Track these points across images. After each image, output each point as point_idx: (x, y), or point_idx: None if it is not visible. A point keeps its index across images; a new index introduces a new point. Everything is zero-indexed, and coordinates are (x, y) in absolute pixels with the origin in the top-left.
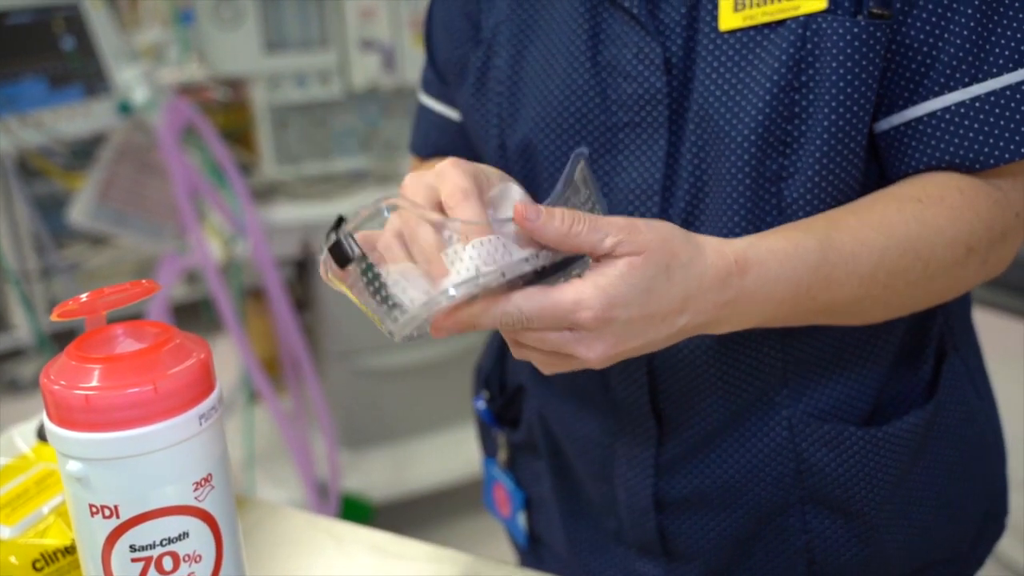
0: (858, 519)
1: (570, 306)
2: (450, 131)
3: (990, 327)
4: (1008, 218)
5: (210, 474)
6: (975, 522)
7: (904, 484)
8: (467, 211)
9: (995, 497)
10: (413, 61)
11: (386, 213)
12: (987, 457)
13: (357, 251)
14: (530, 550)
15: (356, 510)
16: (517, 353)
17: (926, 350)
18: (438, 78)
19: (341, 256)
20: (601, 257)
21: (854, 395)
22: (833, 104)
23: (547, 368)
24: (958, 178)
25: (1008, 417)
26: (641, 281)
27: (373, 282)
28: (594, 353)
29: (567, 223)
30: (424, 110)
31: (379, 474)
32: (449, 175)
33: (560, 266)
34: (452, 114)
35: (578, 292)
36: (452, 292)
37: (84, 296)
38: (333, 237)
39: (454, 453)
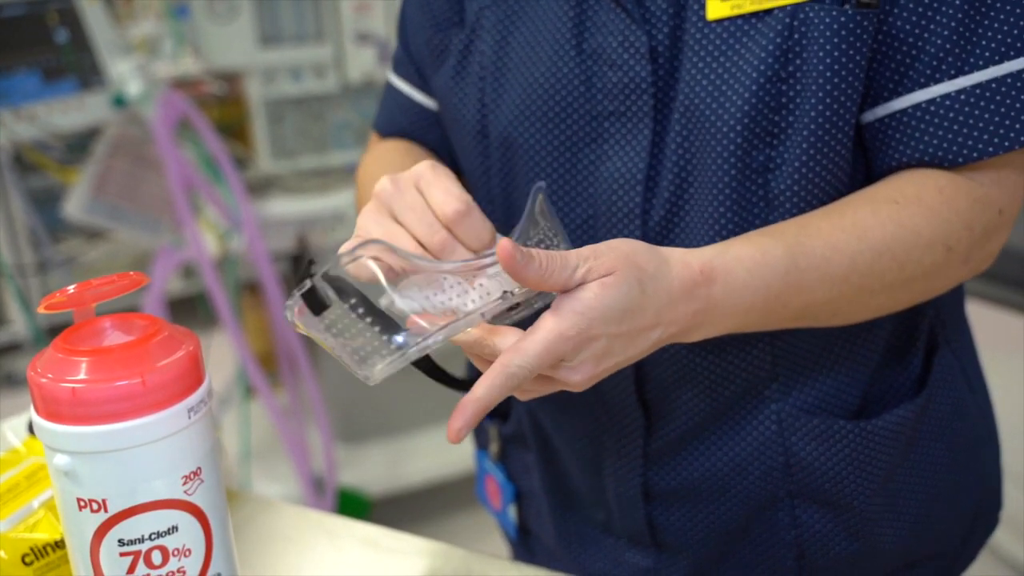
0: (848, 513)
1: (557, 340)
2: (413, 113)
3: (986, 320)
4: (990, 216)
5: (199, 467)
6: (967, 516)
7: (894, 478)
8: (470, 228)
9: (988, 491)
10: None
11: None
12: (979, 451)
13: (332, 296)
14: (520, 542)
15: (353, 504)
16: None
17: (916, 344)
18: (409, 59)
19: (315, 303)
20: (573, 289)
21: (843, 389)
22: (820, 95)
23: (525, 395)
24: (937, 176)
25: (1004, 411)
26: (615, 301)
27: (368, 313)
28: (579, 375)
29: (544, 264)
30: (391, 89)
31: (376, 469)
32: (437, 187)
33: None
34: (418, 96)
35: (557, 325)
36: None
37: (72, 288)
38: (308, 284)
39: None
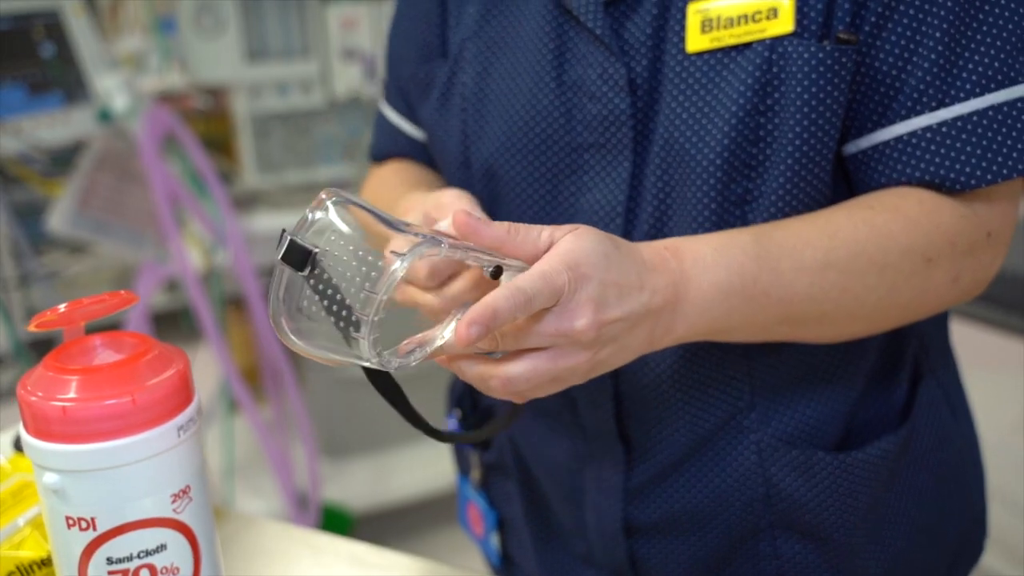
0: (830, 545)
1: (549, 273)
2: (403, 142)
3: (966, 338)
4: (977, 235)
5: (188, 486)
6: (952, 545)
7: (877, 509)
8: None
9: (974, 520)
10: None
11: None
12: (964, 480)
13: (315, 247)
14: (503, 570)
15: (336, 520)
16: (501, 388)
17: (900, 373)
18: (396, 90)
19: (299, 256)
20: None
21: (824, 419)
22: (798, 129)
23: (540, 388)
24: (920, 191)
25: (986, 429)
26: (592, 244)
27: (327, 289)
28: (582, 319)
29: (505, 227)
30: (381, 118)
31: (360, 484)
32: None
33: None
34: (406, 127)
35: (547, 263)
36: (400, 263)
37: (62, 307)
38: (285, 243)
39: (435, 463)
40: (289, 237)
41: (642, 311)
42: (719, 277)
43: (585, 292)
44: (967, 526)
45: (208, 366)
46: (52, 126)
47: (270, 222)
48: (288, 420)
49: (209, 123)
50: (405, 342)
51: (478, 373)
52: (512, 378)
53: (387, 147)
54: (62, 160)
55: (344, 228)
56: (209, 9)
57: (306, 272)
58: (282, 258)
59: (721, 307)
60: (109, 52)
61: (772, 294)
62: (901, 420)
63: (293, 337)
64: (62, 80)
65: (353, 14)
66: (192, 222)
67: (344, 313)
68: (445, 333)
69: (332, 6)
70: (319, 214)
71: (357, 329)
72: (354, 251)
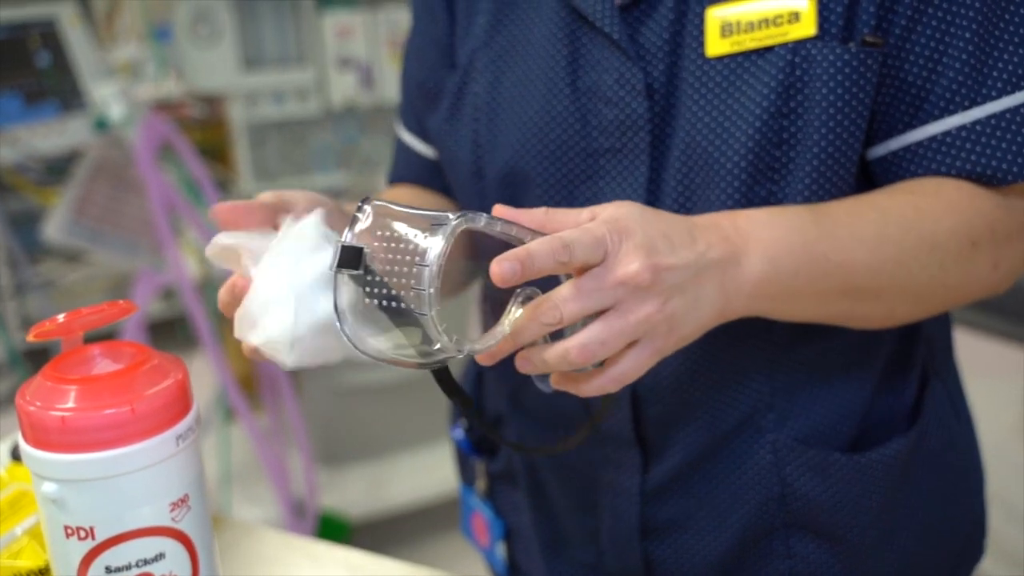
0: (842, 545)
1: (587, 226)
2: (417, 165)
3: (966, 345)
4: (1013, 225)
5: (187, 495)
6: (957, 547)
7: (888, 510)
8: None
9: (976, 520)
10: (391, 79)
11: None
12: (968, 482)
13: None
14: None
15: (333, 528)
16: (561, 380)
17: (909, 375)
18: (411, 110)
19: (351, 256)
20: None
21: (839, 419)
22: (823, 131)
23: (623, 355)
24: (956, 180)
25: (982, 433)
26: (630, 209)
27: (382, 288)
28: (634, 263)
29: (542, 209)
30: (399, 141)
31: (356, 492)
32: None
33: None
34: (420, 147)
35: (589, 220)
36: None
37: (61, 317)
38: (336, 252)
39: (432, 471)
40: (340, 244)
41: (701, 261)
42: (777, 233)
43: (631, 241)
44: (970, 528)
45: (204, 374)
46: (48, 135)
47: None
48: (285, 428)
49: (205, 131)
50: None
51: (556, 353)
52: (587, 342)
53: (401, 171)
54: (58, 169)
55: (386, 227)
56: (205, 18)
57: (361, 270)
58: (338, 265)
59: (786, 262)
60: (105, 61)
61: (832, 258)
62: (910, 422)
63: (358, 345)
64: (58, 89)
65: (349, 23)
66: (188, 230)
67: (402, 306)
68: (510, 319)
69: (328, 15)
70: (360, 219)
71: (421, 315)
72: (402, 247)
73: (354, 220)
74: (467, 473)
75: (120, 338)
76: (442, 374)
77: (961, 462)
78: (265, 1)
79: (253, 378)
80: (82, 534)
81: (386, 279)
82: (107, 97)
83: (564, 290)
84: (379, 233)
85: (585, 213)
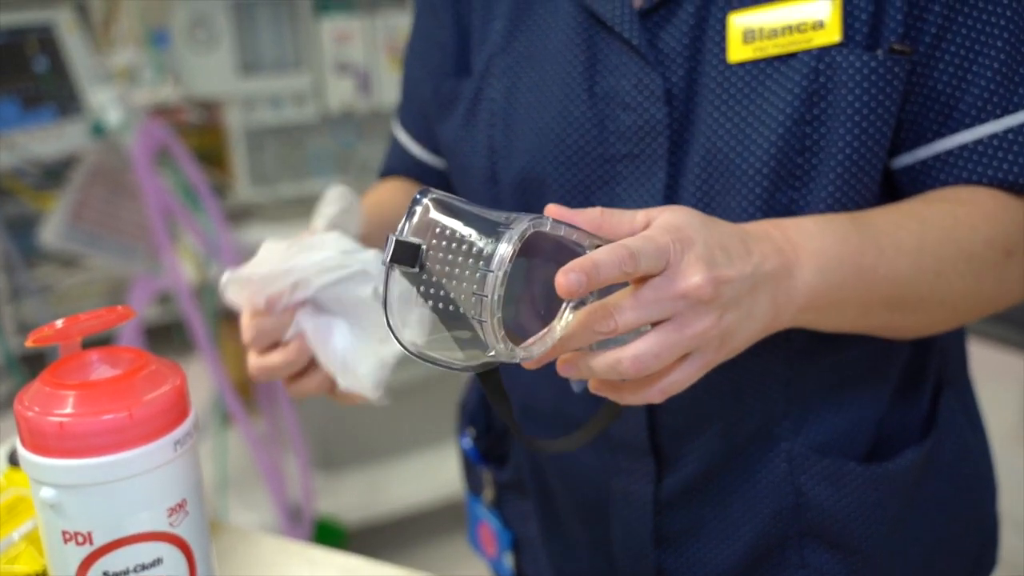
0: (856, 555)
1: (651, 234)
2: (409, 163)
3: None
4: None
5: (184, 500)
6: (970, 557)
7: (902, 520)
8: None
9: (988, 531)
10: (388, 84)
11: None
12: (981, 492)
13: (421, 243)
14: None
15: (330, 534)
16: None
17: (923, 385)
18: (411, 111)
19: (408, 252)
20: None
21: (854, 429)
22: (848, 138)
23: (675, 368)
24: (989, 189)
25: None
26: (688, 214)
27: (438, 291)
28: (696, 275)
29: (597, 210)
30: (393, 139)
31: (353, 497)
32: None
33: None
34: (414, 148)
35: (649, 231)
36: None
37: (59, 322)
38: (391, 246)
39: (429, 475)
40: (395, 238)
41: (756, 273)
42: (826, 243)
43: (693, 252)
44: (983, 539)
45: (201, 379)
46: (45, 140)
47: (263, 235)
48: (281, 433)
49: (202, 136)
50: (529, 340)
51: (606, 362)
52: (641, 354)
53: (394, 166)
54: (55, 174)
55: (444, 224)
56: (202, 23)
57: (417, 268)
58: (391, 259)
59: (836, 274)
60: (102, 66)
61: (879, 270)
62: (924, 432)
63: (410, 347)
64: (55, 94)
65: (346, 28)
66: (185, 235)
67: (458, 309)
68: (562, 324)
69: (325, 20)
70: (417, 212)
71: (480, 322)
72: (464, 248)
73: (410, 213)
74: (474, 483)
75: (117, 343)
76: (489, 377)
77: (974, 472)
78: (263, 6)
79: (249, 383)
80: (80, 539)
81: (442, 279)
82: (104, 102)
83: (621, 299)
84: (437, 230)
85: (640, 216)
